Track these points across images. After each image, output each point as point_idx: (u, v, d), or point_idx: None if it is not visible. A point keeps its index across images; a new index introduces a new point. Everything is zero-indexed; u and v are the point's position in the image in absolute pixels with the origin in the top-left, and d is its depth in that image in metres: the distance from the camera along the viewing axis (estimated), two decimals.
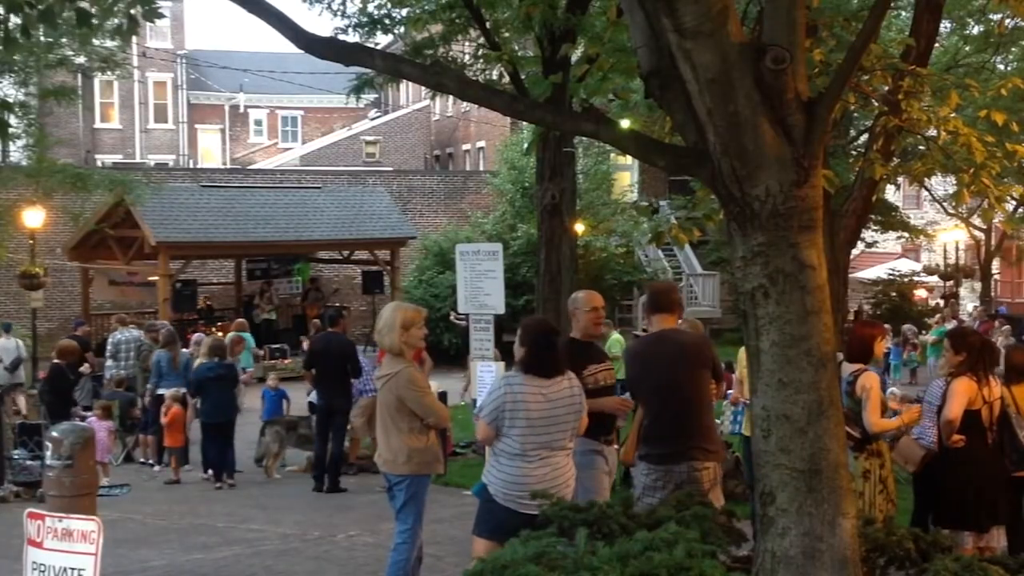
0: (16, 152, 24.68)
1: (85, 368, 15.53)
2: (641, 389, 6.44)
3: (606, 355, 7.32)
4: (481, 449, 10.55)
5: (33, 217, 20.99)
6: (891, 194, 30.83)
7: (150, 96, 46.68)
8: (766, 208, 4.36)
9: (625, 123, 10.17)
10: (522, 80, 12.84)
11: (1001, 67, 20.78)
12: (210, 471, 12.53)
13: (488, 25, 13.39)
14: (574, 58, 12.36)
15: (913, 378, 22.34)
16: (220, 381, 12.55)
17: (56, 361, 13.70)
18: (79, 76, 28.34)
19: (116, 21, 6.05)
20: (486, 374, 10.04)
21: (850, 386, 6.90)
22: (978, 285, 35.64)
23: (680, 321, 6.95)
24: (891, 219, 31.48)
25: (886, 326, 22.91)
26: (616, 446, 7.11)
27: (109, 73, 26.68)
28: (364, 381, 12.52)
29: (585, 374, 6.70)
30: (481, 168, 37.92)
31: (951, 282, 33.28)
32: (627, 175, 33.71)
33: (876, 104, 8.77)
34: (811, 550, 4.36)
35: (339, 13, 15.01)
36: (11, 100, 18.38)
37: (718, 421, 12.63)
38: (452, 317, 21.58)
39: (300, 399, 15.09)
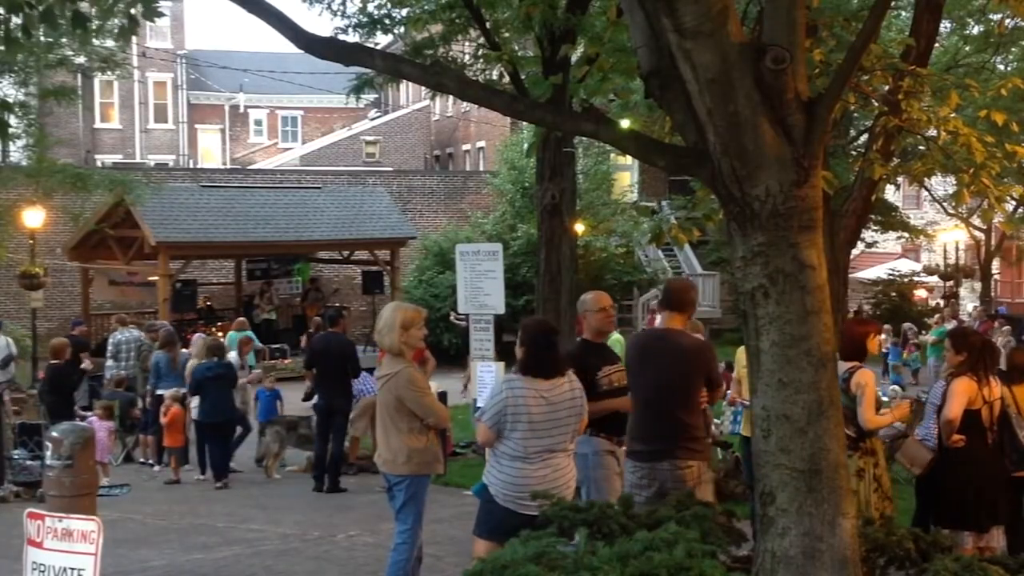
0: (16, 152, 24.67)
1: (87, 365, 15.53)
2: (636, 382, 6.43)
3: (618, 356, 7.33)
4: (481, 449, 10.55)
5: (33, 217, 20.99)
6: (891, 194, 30.84)
7: (150, 96, 46.69)
8: (766, 208, 4.36)
9: (625, 123, 10.17)
10: (522, 80, 12.84)
11: (1001, 67, 20.79)
12: (208, 472, 12.55)
13: (488, 25, 13.39)
14: (574, 58, 12.36)
15: (915, 378, 22.32)
16: (218, 381, 12.56)
17: (54, 361, 13.68)
18: (79, 76, 28.33)
19: (116, 21, 6.05)
20: (486, 374, 10.05)
21: (845, 383, 6.90)
22: (978, 285, 35.66)
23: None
24: (891, 219, 31.49)
25: (886, 326, 22.95)
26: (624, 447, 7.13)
27: (109, 73, 26.68)
28: (363, 380, 12.53)
29: (600, 375, 6.72)
30: (481, 168, 37.92)
31: (951, 282, 33.30)
32: (627, 175, 33.72)
33: (876, 104, 8.77)
34: (811, 550, 4.36)
35: (339, 13, 15.02)
36: (11, 100, 18.39)
37: (717, 421, 12.68)
38: (452, 317, 21.58)
39: (296, 399, 15.07)
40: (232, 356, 14.41)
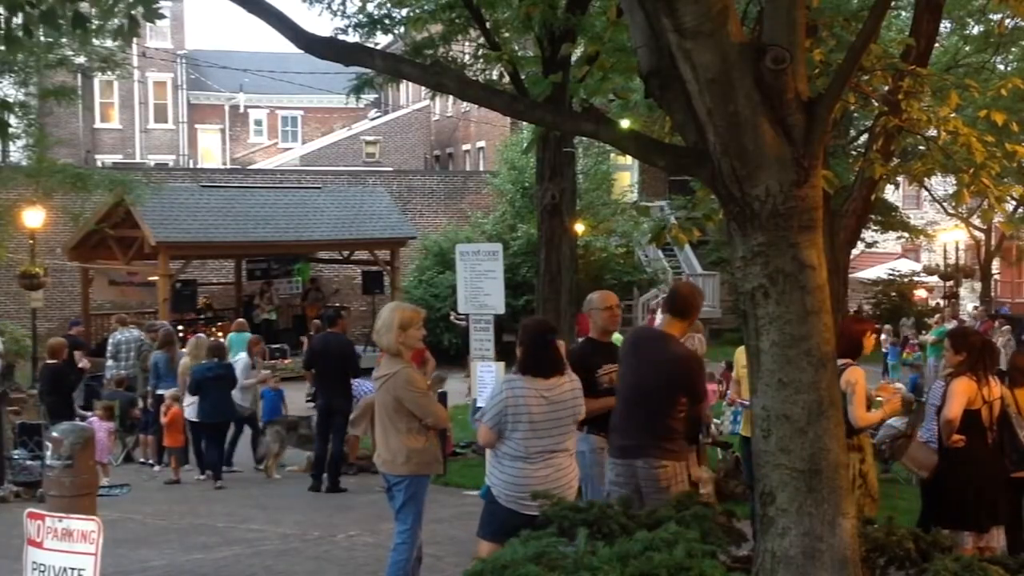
0: (16, 152, 24.67)
1: (85, 364, 15.51)
2: (623, 377, 6.43)
3: None
4: (481, 450, 10.54)
5: (33, 217, 20.99)
6: (891, 194, 30.85)
7: (150, 96, 46.68)
8: (766, 208, 4.36)
9: (625, 123, 10.17)
10: (522, 80, 12.84)
11: (1001, 67, 20.79)
12: (207, 472, 12.57)
13: (488, 25, 13.39)
14: (574, 58, 12.36)
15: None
16: (218, 382, 12.58)
17: (51, 361, 13.68)
18: (79, 76, 28.32)
19: (117, 22, 6.05)
20: (486, 374, 10.04)
21: None
22: (978, 285, 35.66)
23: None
24: (891, 219, 31.50)
25: (887, 326, 22.94)
26: None
27: (109, 73, 26.66)
28: (361, 382, 12.53)
29: (600, 373, 6.76)
30: (481, 168, 37.92)
31: (951, 282, 33.32)
32: (627, 175, 33.72)
33: (876, 104, 8.77)
34: (811, 550, 4.36)
35: (339, 13, 15.02)
36: (11, 100, 18.37)
37: (717, 421, 12.65)
38: (452, 317, 21.59)
39: (298, 399, 15.09)
40: (243, 356, 14.40)
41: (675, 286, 7.39)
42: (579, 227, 19.94)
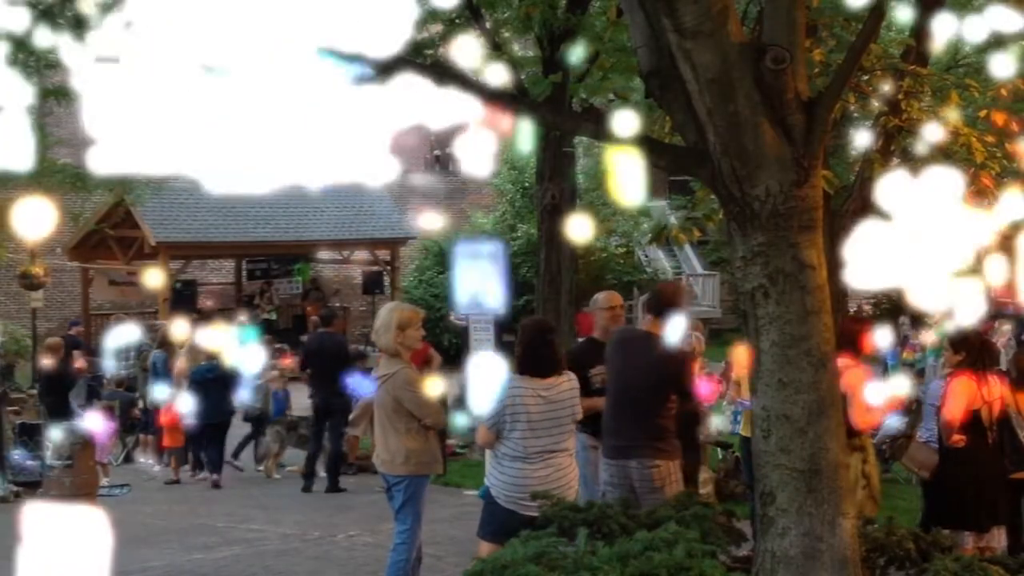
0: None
1: (81, 363, 15.52)
2: (612, 377, 6.43)
3: None
4: (480, 449, 10.54)
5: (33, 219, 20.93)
6: None
7: None
8: (766, 208, 4.36)
9: (629, 124, 10.15)
10: (522, 80, 12.83)
11: (1001, 69, 20.73)
12: (205, 472, 12.57)
13: (488, 25, 13.38)
14: (574, 58, 12.35)
15: (920, 379, 22.18)
16: (218, 383, 12.58)
17: (48, 361, 13.66)
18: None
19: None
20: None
21: None
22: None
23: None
24: (891, 219, 31.47)
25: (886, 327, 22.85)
26: None
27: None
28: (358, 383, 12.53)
29: (593, 372, 6.79)
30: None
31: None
32: None
33: (876, 104, 8.77)
34: (811, 550, 4.36)
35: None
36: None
37: (718, 421, 12.60)
38: (452, 317, 21.57)
39: (301, 399, 15.06)
40: (263, 354, 14.37)
41: (658, 287, 7.45)
42: (588, 227, 19.70)
